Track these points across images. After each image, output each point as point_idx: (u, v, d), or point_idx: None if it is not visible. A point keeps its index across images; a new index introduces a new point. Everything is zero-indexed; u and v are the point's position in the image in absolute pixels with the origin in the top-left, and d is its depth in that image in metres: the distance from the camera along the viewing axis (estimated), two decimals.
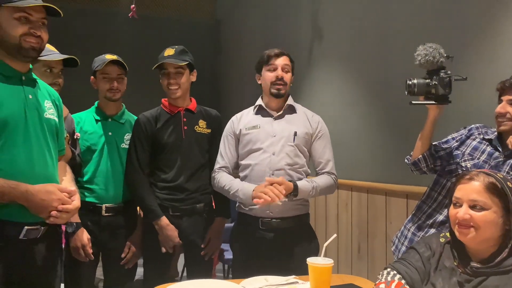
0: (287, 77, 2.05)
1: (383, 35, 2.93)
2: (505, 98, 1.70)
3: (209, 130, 2.27)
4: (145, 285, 2.14)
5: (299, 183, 1.92)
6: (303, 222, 2.07)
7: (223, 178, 2.06)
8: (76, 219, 2.02)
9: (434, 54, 1.73)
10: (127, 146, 2.24)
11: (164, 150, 2.20)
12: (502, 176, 1.29)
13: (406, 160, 1.96)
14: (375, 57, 3.03)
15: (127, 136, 2.26)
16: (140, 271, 2.27)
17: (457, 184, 1.33)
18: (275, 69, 2.03)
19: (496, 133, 1.77)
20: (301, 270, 1.43)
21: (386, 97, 2.87)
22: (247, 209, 2.03)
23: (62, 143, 1.70)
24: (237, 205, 2.12)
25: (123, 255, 2.19)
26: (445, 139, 1.91)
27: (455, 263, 1.31)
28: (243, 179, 2.05)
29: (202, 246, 2.21)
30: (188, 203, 2.18)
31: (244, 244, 2.05)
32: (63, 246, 1.98)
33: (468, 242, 1.28)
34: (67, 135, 1.90)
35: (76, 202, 1.49)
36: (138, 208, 2.34)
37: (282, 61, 2.05)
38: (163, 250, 2.13)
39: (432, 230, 1.82)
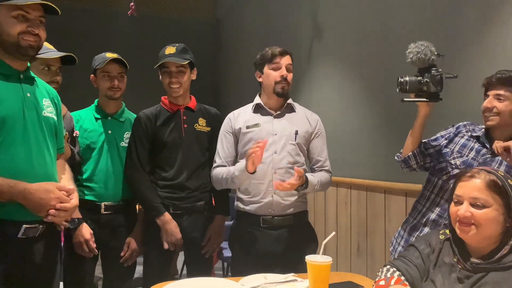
0: (290, 76, 2.05)
1: (384, 33, 2.93)
2: (491, 93, 1.73)
3: (208, 128, 2.27)
4: (145, 283, 2.13)
5: (308, 176, 1.93)
6: (302, 219, 2.08)
7: (218, 171, 2.06)
8: (77, 214, 2.02)
9: (425, 52, 1.74)
10: (126, 145, 2.24)
11: (164, 148, 2.19)
12: (503, 174, 1.29)
13: (396, 158, 1.98)
14: (375, 55, 3.03)
15: (127, 135, 2.26)
16: (139, 269, 2.27)
17: (458, 181, 1.33)
18: (279, 68, 2.02)
19: (483, 129, 1.80)
20: (301, 267, 1.43)
21: (385, 96, 2.87)
22: (247, 207, 2.02)
23: (61, 141, 1.70)
24: (235, 203, 2.12)
25: (122, 253, 2.19)
26: (434, 137, 1.93)
27: (454, 259, 1.32)
28: None
29: (202, 244, 2.20)
30: (188, 202, 2.18)
31: (243, 242, 2.05)
32: (62, 245, 1.98)
33: (469, 240, 1.28)
34: (66, 133, 1.89)
35: (74, 200, 1.49)
36: (137, 205, 2.34)
37: (286, 60, 2.04)
38: (166, 246, 2.12)
39: (426, 229, 1.84)
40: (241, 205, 2.07)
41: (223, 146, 2.10)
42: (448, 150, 1.86)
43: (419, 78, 1.77)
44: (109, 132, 2.24)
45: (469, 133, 1.85)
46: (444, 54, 1.80)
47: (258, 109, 2.10)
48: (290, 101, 2.11)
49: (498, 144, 1.58)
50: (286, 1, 4.26)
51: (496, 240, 1.27)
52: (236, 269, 2.08)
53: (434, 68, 1.77)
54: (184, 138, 2.20)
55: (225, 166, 2.07)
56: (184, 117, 2.23)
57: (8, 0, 1.43)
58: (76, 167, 2.06)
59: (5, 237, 1.44)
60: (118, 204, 2.21)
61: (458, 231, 1.29)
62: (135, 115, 2.29)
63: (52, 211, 1.42)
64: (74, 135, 2.12)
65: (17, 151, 1.45)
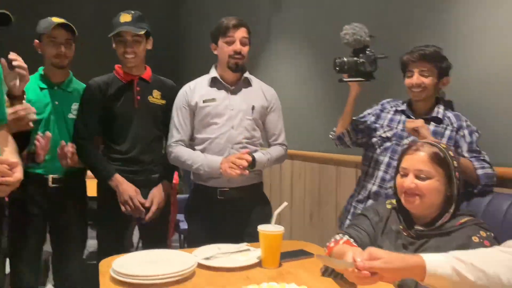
0: (245, 50, 2.00)
1: (341, 9, 2.94)
2: (416, 69, 1.84)
3: (163, 101, 2.20)
4: (99, 257, 2.09)
5: (256, 155, 1.95)
6: (258, 191, 2.10)
7: (181, 152, 2.02)
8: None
9: (360, 33, 1.82)
10: (75, 116, 2.14)
11: (115, 119, 2.13)
12: (445, 146, 1.36)
13: (330, 136, 2.09)
14: (332, 31, 3.04)
15: (75, 106, 2.16)
16: (94, 244, 2.22)
17: (403, 155, 1.39)
18: (233, 42, 1.97)
19: (405, 104, 1.96)
20: (256, 238, 1.45)
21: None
22: (204, 181, 2.02)
23: (3, 111, 1.60)
24: (192, 177, 2.10)
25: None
26: (362, 115, 2.07)
27: (400, 227, 1.38)
28: (201, 152, 2.02)
29: (146, 205, 2.12)
30: (142, 175, 2.14)
31: (199, 214, 2.04)
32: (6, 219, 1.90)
33: (414, 209, 1.36)
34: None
35: (18, 174, 1.41)
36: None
37: (240, 33, 1.98)
38: (123, 209, 2.06)
39: (370, 201, 1.94)
40: (198, 179, 2.06)
41: (180, 120, 2.05)
42: (377, 125, 2.00)
43: (355, 58, 1.84)
44: (56, 103, 2.13)
45: (394, 108, 1.99)
46: (376, 35, 1.87)
47: (214, 82, 2.06)
48: (247, 74, 2.08)
49: (408, 124, 1.73)
50: None
51: (437, 208, 1.34)
52: (192, 241, 2.08)
53: (368, 49, 1.85)
54: (136, 110, 2.14)
55: (184, 140, 2.04)
56: (138, 88, 2.16)
57: None
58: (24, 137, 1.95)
59: None
60: (66, 176, 2.14)
61: (403, 202, 1.36)
62: (85, 85, 2.19)
63: None
64: None
65: None
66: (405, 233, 1.37)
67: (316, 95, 3.25)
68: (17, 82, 1.61)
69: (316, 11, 3.21)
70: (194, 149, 2.04)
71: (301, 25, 3.43)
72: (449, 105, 1.95)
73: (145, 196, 2.11)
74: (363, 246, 1.39)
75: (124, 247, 2.20)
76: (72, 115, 2.15)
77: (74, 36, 2.14)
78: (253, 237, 1.71)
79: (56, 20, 2.07)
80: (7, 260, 2.07)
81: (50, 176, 2.10)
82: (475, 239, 1.23)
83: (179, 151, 2.02)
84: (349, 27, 1.83)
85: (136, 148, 2.13)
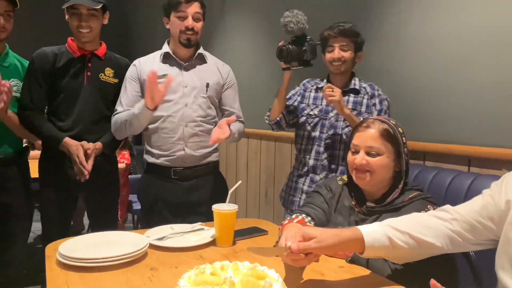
0: (198, 26, 1.93)
1: None
2: (336, 44, 1.98)
3: (116, 80, 2.11)
4: (44, 241, 2.01)
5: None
6: (214, 170, 2.08)
7: (118, 116, 1.91)
8: None
9: (303, 21, 1.90)
10: (13, 94, 2.01)
11: (61, 94, 2.03)
12: (394, 123, 1.39)
13: (266, 121, 2.17)
14: (288, 7, 3.01)
15: (12, 82, 2.02)
16: (38, 226, 2.13)
17: (355, 131, 1.41)
18: (185, 18, 1.90)
19: (325, 80, 2.10)
20: (211, 217, 1.44)
21: None
22: (158, 161, 1.96)
23: None
24: (144, 156, 2.05)
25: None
26: (287, 96, 2.14)
27: (353, 202, 1.41)
28: (153, 131, 1.96)
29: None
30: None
31: (153, 194, 2.00)
32: None
33: (365, 186, 1.38)
34: None
35: None
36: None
37: (193, 8, 1.90)
38: (78, 177, 1.97)
39: (310, 175, 2.07)
40: (151, 158, 2.00)
41: (127, 93, 1.96)
42: (304, 104, 2.11)
43: (299, 47, 1.90)
44: None
45: (315, 86, 2.12)
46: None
47: (166, 58, 1.99)
48: (201, 50, 2.02)
49: (327, 91, 1.86)
50: None
51: (387, 184, 1.37)
52: (146, 222, 2.05)
53: (308, 37, 1.93)
54: (85, 87, 2.04)
55: None
56: (89, 64, 2.06)
57: None
58: None
59: None
60: (7, 156, 2.03)
61: (354, 178, 1.38)
62: (25, 61, 2.07)
63: None
64: None
65: None
66: (357, 209, 1.39)
67: (272, 72, 3.23)
68: None
69: None
70: (147, 128, 1.97)
71: (255, 0, 3.38)
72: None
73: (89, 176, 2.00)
74: (320, 223, 1.41)
75: (69, 229, 2.13)
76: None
77: (14, 8, 1.99)
78: (208, 217, 1.70)
79: None
80: None
81: None
82: (424, 213, 1.28)
83: (117, 116, 1.93)
84: (291, 15, 1.89)
85: (79, 126, 2.04)
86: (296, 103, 2.12)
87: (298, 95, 2.14)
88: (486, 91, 1.86)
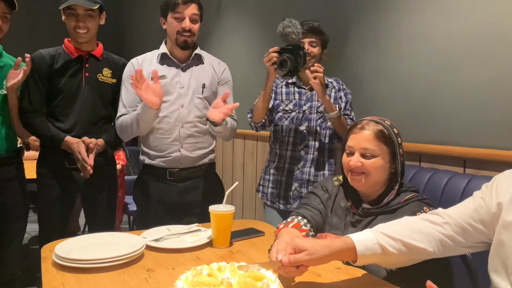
0: (195, 27, 1.94)
1: None
2: (306, 40, 2.12)
3: (114, 80, 2.11)
4: (40, 242, 2.00)
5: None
6: (210, 171, 2.08)
7: (123, 118, 1.93)
8: None
9: (301, 31, 1.97)
10: (6, 92, 2.00)
11: (59, 95, 2.02)
12: (389, 123, 1.38)
13: (252, 124, 2.20)
14: (285, 8, 3.02)
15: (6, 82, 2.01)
16: (35, 227, 2.11)
17: (349, 133, 1.40)
18: (182, 19, 1.90)
19: (295, 76, 2.15)
20: (208, 218, 1.44)
21: None
22: (154, 162, 1.96)
23: None
24: (141, 157, 2.04)
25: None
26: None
27: (348, 203, 1.41)
28: (149, 131, 1.95)
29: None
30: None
31: (149, 195, 2.00)
32: None
33: (360, 188, 1.37)
34: None
35: None
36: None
37: (190, 10, 1.90)
38: (82, 174, 1.95)
39: (287, 165, 2.16)
40: (147, 159, 2.00)
41: (128, 92, 1.96)
42: (278, 101, 2.19)
43: (295, 56, 1.95)
44: None
45: (284, 82, 2.21)
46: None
47: (164, 59, 1.99)
48: (198, 51, 2.02)
49: (312, 71, 1.93)
50: None
51: (382, 185, 1.37)
52: (141, 223, 2.04)
53: (302, 45, 1.99)
54: (83, 88, 2.04)
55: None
56: (87, 65, 2.06)
57: None
58: None
59: None
60: (2, 157, 2.01)
61: (350, 180, 1.38)
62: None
63: None
64: None
65: None
66: (353, 211, 1.39)
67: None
68: None
69: None
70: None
71: (251, 1, 3.38)
72: None
73: (86, 178, 2.00)
74: (317, 224, 1.41)
75: (67, 230, 2.12)
76: (4, 91, 2.01)
77: (12, 10, 1.99)
78: (204, 218, 1.70)
79: None
80: None
81: None
82: (419, 215, 1.28)
83: (121, 119, 1.94)
84: (291, 25, 1.94)
85: (78, 127, 2.04)
86: (272, 101, 2.18)
87: (272, 93, 2.16)
88: (482, 93, 1.87)
